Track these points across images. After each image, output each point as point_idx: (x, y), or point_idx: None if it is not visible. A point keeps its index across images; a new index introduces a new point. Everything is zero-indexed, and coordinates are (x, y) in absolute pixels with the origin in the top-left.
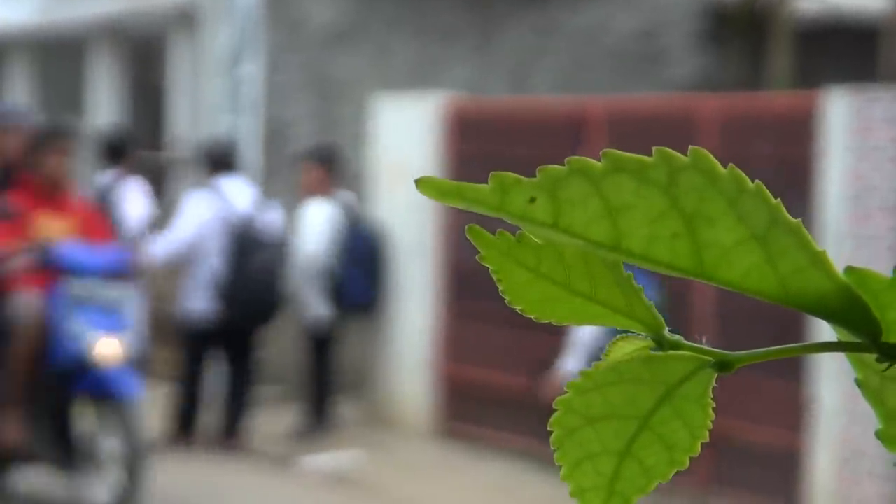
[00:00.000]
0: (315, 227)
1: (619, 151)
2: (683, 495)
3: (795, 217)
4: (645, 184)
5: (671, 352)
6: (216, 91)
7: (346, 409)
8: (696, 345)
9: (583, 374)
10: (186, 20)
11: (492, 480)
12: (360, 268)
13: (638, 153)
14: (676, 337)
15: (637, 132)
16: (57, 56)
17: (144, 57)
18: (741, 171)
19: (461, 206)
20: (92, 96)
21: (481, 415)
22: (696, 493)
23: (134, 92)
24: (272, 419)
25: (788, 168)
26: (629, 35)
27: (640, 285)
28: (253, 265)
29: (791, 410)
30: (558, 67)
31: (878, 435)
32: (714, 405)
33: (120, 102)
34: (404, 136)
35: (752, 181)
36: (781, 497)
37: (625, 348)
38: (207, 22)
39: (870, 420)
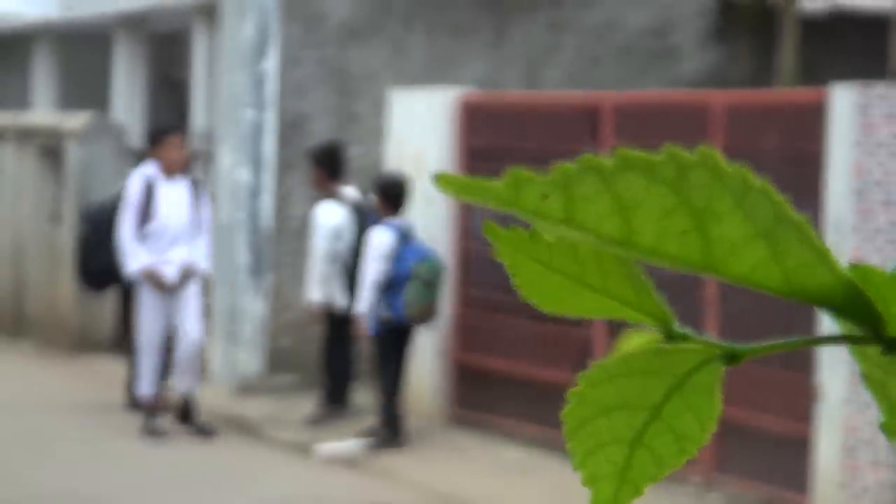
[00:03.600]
0: (325, 224)
1: (629, 149)
2: (690, 481)
3: (802, 211)
4: (655, 181)
5: (681, 344)
6: (237, 85)
7: (361, 397)
8: (704, 338)
9: (595, 365)
10: (208, 15)
11: (503, 466)
12: None
13: (648, 148)
14: (685, 330)
15: (647, 127)
16: (81, 50)
17: (167, 51)
18: (748, 169)
19: (476, 201)
20: (115, 90)
21: (493, 402)
22: (702, 479)
23: (156, 86)
24: (290, 407)
25: (795, 162)
26: (640, 32)
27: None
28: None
29: (796, 399)
30: (570, 63)
31: (883, 427)
32: (721, 395)
33: (142, 96)
34: (419, 130)
35: (760, 176)
36: (785, 484)
37: (636, 341)
38: (228, 17)
39: (872, 409)
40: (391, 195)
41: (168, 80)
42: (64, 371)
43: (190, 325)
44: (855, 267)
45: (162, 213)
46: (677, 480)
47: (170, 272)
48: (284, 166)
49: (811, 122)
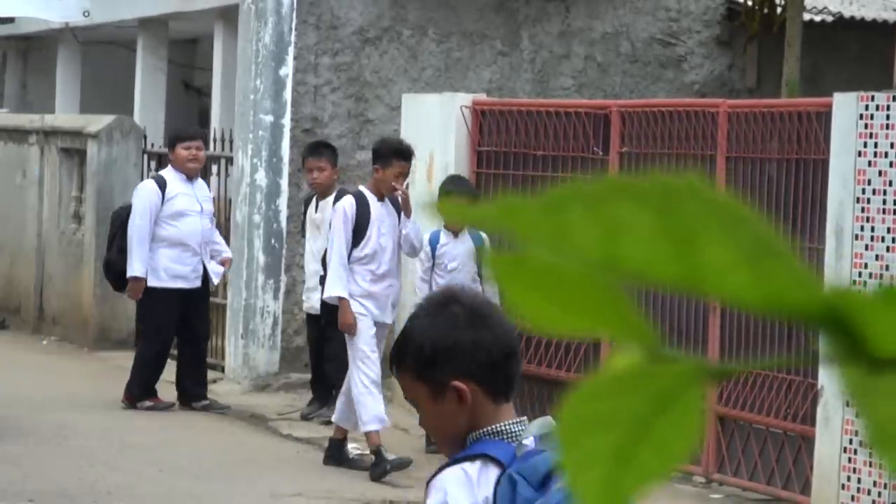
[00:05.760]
0: (324, 224)
1: (617, 175)
2: (692, 480)
3: (803, 217)
4: (641, 207)
5: (666, 365)
6: (255, 91)
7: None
8: (690, 357)
9: (584, 383)
10: (228, 20)
11: None
12: None
13: (653, 153)
14: (671, 350)
15: (654, 133)
16: (104, 54)
17: (188, 55)
18: (734, 195)
19: (471, 225)
20: (137, 93)
21: None
22: (703, 478)
23: (177, 89)
24: (304, 404)
25: (797, 170)
26: (647, 41)
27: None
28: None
29: (796, 400)
30: (580, 70)
31: (867, 443)
32: (719, 398)
33: (163, 99)
34: (431, 135)
35: (762, 183)
36: (786, 483)
37: (623, 361)
38: (246, 24)
39: None
40: None
41: (188, 84)
42: (84, 367)
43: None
44: (836, 290)
45: (374, 237)
46: (680, 479)
47: (386, 307)
48: (298, 171)
49: (813, 130)
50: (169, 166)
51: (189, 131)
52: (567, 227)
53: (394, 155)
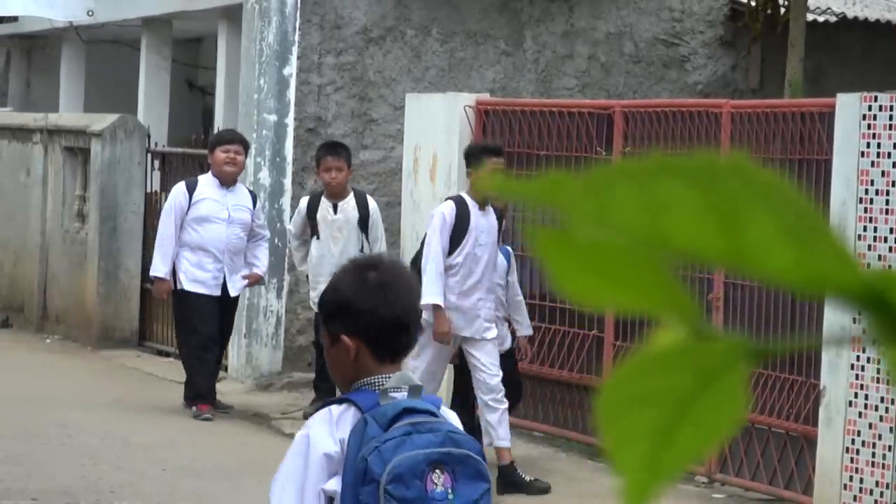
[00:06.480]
0: (332, 224)
1: (664, 153)
2: (694, 480)
3: None
4: (688, 185)
5: (710, 343)
6: (258, 90)
7: None
8: (733, 335)
9: (627, 360)
10: (232, 20)
11: (515, 463)
12: None
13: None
14: (715, 328)
15: (657, 133)
16: (107, 53)
17: (192, 55)
18: (779, 173)
19: (515, 199)
20: (140, 92)
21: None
22: (706, 477)
23: (180, 88)
24: (307, 403)
25: (800, 170)
26: (651, 41)
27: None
28: None
29: (798, 401)
30: (583, 71)
31: None
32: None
33: (167, 98)
34: (435, 134)
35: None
36: (788, 483)
37: (666, 338)
38: (249, 23)
39: (873, 411)
40: None
41: (192, 83)
42: (87, 366)
43: (489, 375)
44: (876, 271)
45: (470, 245)
46: (682, 479)
47: (479, 325)
48: (301, 170)
49: (816, 130)
50: (209, 171)
51: (229, 135)
52: (612, 203)
53: (483, 153)
